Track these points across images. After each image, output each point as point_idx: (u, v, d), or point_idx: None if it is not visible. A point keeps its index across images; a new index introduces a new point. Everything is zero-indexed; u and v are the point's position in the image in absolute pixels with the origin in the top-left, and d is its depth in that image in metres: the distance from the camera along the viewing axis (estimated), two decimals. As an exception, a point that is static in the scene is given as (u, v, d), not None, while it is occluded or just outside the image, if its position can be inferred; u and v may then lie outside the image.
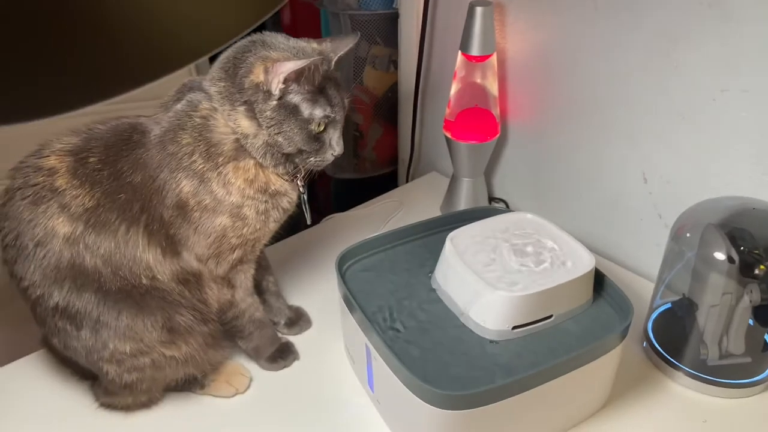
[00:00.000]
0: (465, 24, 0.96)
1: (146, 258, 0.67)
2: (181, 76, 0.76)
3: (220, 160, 0.68)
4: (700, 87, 0.81)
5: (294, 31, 1.75)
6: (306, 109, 0.68)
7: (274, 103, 0.67)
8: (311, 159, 0.72)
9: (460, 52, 0.99)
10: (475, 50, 0.97)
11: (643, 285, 0.93)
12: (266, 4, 0.29)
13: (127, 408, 0.76)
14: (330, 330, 0.87)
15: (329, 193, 1.79)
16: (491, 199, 1.17)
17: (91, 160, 0.67)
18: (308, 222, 0.81)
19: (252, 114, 0.68)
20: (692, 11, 0.78)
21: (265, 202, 0.72)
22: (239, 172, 0.69)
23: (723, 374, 0.77)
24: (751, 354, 0.77)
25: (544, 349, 0.69)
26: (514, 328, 0.70)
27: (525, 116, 1.07)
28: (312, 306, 0.92)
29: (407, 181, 1.31)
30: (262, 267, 0.85)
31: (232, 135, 0.69)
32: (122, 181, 0.67)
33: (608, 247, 1.02)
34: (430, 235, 0.85)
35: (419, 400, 0.64)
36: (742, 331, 0.75)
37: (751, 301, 0.72)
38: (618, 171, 0.96)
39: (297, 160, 0.72)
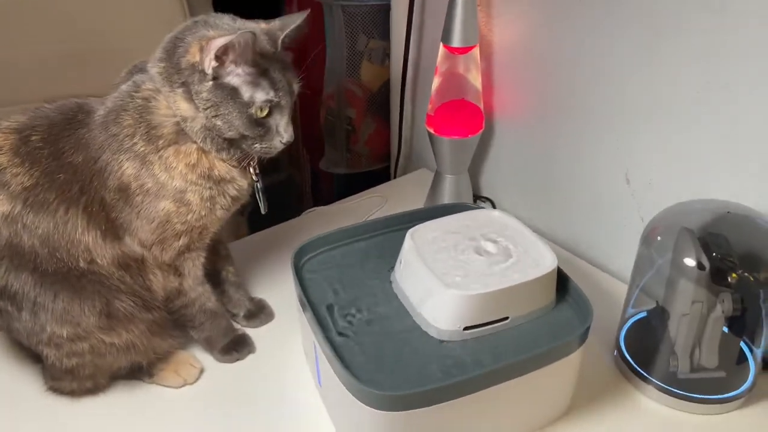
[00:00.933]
0: (446, 14, 0.92)
1: (85, 240, 0.66)
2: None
3: (161, 143, 0.66)
4: (683, 83, 0.77)
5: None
6: (246, 92, 0.65)
7: (210, 83, 0.65)
8: (257, 145, 0.69)
9: (441, 43, 0.95)
10: (456, 41, 0.93)
11: (624, 290, 0.88)
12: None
13: (73, 393, 0.74)
14: (291, 324, 0.84)
15: (332, 186, 1.78)
16: (476, 197, 1.13)
17: (33, 138, 0.66)
18: (263, 211, 0.78)
19: (189, 96, 0.66)
20: (677, 3, 0.74)
21: (210, 188, 0.69)
22: (180, 156, 0.67)
23: (695, 389, 0.72)
24: (725, 368, 0.72)
25: (497, 352, 0.66)
26: (466, 328, 0.67)
27: (510, 112, 1.03)
28: (277, 299, 0.89)
29: (395, 177, 1.28)
30: (222, 257, 0.83)
31: (173, 118, 0.67)
32: (62, 160, 0.65)
33: (591, 249, 0.97)
34: (395, 231, 0.82)
35: (357, 401, 0.61)
36: (715, 343, 0.71)
37: (723, 312, 0.68)
38: (601, 170, 0.91)
39: (243, 146, 0.69)
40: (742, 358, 0.73)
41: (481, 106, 1.01)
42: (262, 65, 0.66)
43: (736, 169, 0.75)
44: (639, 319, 0.80)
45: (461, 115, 1.00)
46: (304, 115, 1.84)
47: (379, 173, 1.41)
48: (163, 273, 0.72)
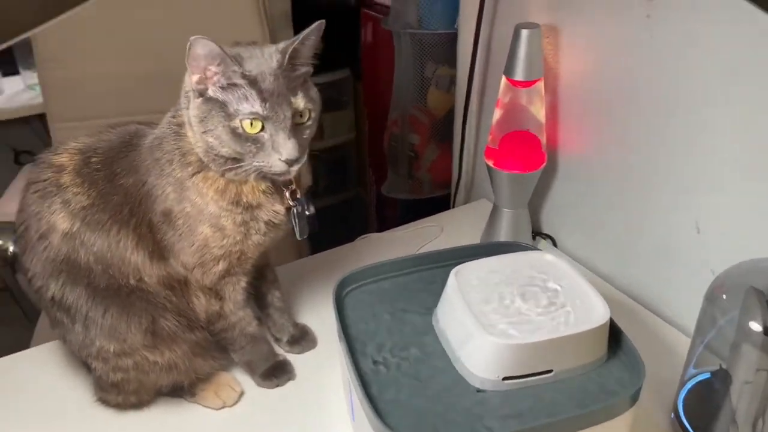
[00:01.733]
0: (510, 47, 0.90)
1: (134, 259, 0.68)
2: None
3: (190, 169, 0.68)
4: (761, 128, 0.71)
5: (374, 51, 1.76)
6: (231, 105, 0.64)
7: (198, 100, 0.65)
8: (255, 163, 0.66)
9: (503, 76, 0.93)
10: (519, 75, 0.91)
11: (688, 346, 0.82)
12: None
13: (118, 406, 0.77)
14: (332, 353, 0.83)
15: (396, 210, 1.78)
16: (536, 233, 1.09)
17: (93, 159, 0.69)
18: (297, 237, 0.76)
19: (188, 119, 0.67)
20: (755, 39, 0.69)
21: (241, 213, 0.70)
22: (208, 183, 0.68)
23: (758, 464, 0.65)
24: (796, 446, 0.65)
25: (536, 407, 0.62)
26: (505, 378, 0.64)
27: (575, 147, 0.99)
28: (321, 326, 0.89)
29: (454, 206, 1.26)
30: (268, 280, 0.84)
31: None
32: (116, 182, 0.68)
33: (655, 298, 0.91)
34: (442, 267, 0.80)
35: (384, 443, 0.60)
36: (784, 418, 0.64)
37: (794, 384, 0.61)
38: (670, 216, 0.86)
39: (245, 165, 0.66)
40: (817, 436, 0.66)
41: (544, 140, 0.97)
42: (250, 77, 0.64)
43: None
44: (701, 381, 0.74)
45: (522, 148, 0.97)
46: (372, 137, 1.86)
47: (442, 200, 1.40)
48: (205, 296, 0.73)
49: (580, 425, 0.61)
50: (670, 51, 0.80)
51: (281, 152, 0.65)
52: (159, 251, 0.70)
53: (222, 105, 0.64)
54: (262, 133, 0.65)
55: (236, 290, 0.75)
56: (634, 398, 0.62)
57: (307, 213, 1.46)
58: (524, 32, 0.88)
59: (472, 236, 1.09)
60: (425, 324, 0.73)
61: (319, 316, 0.92)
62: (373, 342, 0.70)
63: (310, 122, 0.67)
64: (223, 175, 0.68)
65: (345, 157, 2.22)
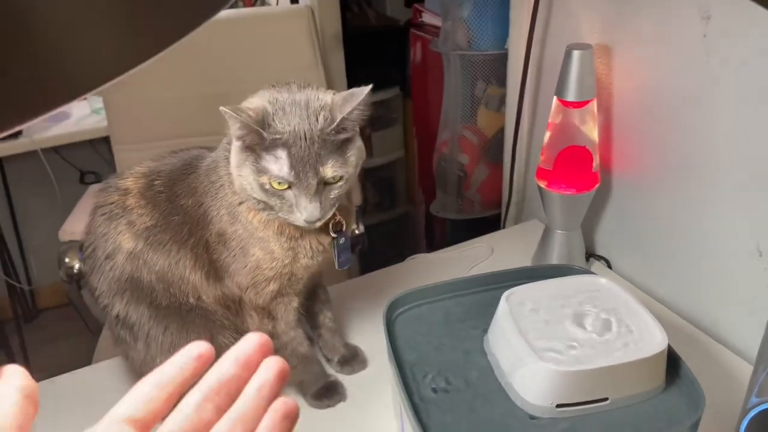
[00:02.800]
0: (561, 67, 0.90)
1: (193, 279, 0.71)
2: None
3: (236, 198, 0.70)
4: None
5: (423, 70, 1.77)
6: (263, 160, 0.65)
7: (237, 144, 0.66)
8: (281, 214, 0.67)
9: (555, 96, 0.92)
10: (571, 96, 0.90)
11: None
12: (162, 36, 0.28)
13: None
14: (383, 374, 0.84)
15: (446, 229, 1.77)
16: (590, 255, 1.07)
17: (157, 182, 0.72)
18: (336, 267, 0.77)
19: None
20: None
21: (287, 241, 0.71)
22: (252, 213, 0.70)
23: (832, 504, 0.62)
24: None
25: (591, 436, 0.61)
26: (559, 406, 0.63)
27: (630, 168, 0.97)
28: (371, 347, 0.90)
29: (504, 227, 1.25)
30: (320, 301, 0.85)
31: None
32: (176, 203, 0.71)
33: (716, 324, 0.88)
34: (494, 290, 0.79)
35: (436, 470, 0.60)
36: None
37: None
38: (729, 239, 0.83)
39: (275, 209, 0.67)
40: None
41: (597, 160, 0.96)
42: (283, 140, 0.64)
43: None
44: (764, 410, 0.71)
45: (575, 168, 0.96)
46: (421, 155, 1.87)
47: (492, 220, 1.39)
48: (258, 315, 0.75)
49: (637, 456, 0.59)
50: (727, 70, 0.77)
51: (303, 213, 0.66)
52: (215, 271, 0.72)
53: (256, 157, 0.65)
54: (288, 191, 0.66)
55: (288, 310, 0.77)
56: (694, 429, 0.60)
57: (357, 232, 1.48)
58: (576, 53, 0.87)
59: (522, 258, 1.08)
60: (477, 348, 0.72)
61: (370, 336, 0.92)
62: (423, 366, 0.70)
63: (341, 183, 0.67)
64: (258, 211, 0.70)
65: (394, 175, 2.24)
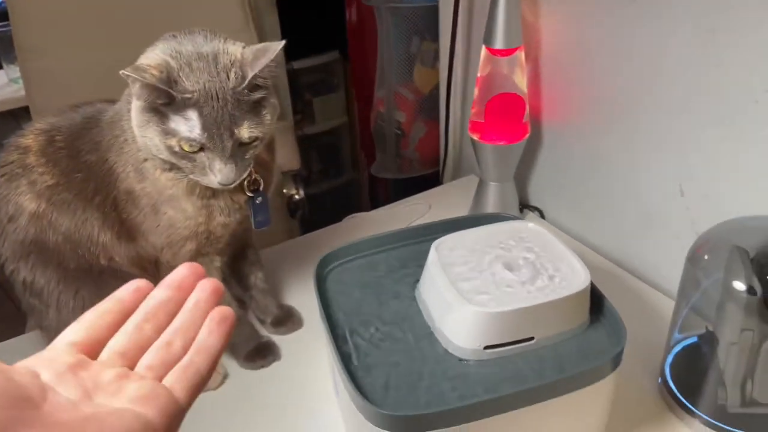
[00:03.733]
0: (488, 14, 0.89)
1: (102, 239, 0.68)
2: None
3: (141, 155, 0.66)
4: (746, 87, 0.69)
5: (360, 30, 1.73)
6: (170, 121, 0.60)
7: (138, 104, 0.61)
8: (191, 176, 0.64)
9: (483, 45, 0.91)
10: (498, 43, 0.89)
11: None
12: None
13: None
14: (319, 333, 0.83)
15: (388, 191, 1.77)
16: (524, 206, 1.08)
17: (57, 138, 0.68)
18: (253, 227, 0.74)
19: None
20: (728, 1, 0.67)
21: (200, 199, 0.68)
22: (159, 170, 0.66)
23: (746, 425, 0.65)
24: (783, 404, 0.64)
25: (520, 374, 0.62)
26: (487, 347, 0.63)
27: (559, 117, 0.98)
28: (307, 307, 0.89)
29: (442, 183, 1.24)
30: (250, 261, 0.83)
31: None
32: (79, 160, 0.67)
33: (643, 264, 0.90)
34: (424, 242, 0.79)
35: (366, 420, 0.59)
36: (769, 377, 0.63)
37: (779, 342, 0.60)
38: (655, 182, 0.85)
39: (185, 171, 0.64)
40: (804, 395, 0.65)
41: (527, 110, 0.96)
42: (193, 100, 0.59)
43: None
44: (688, 345, 0.73)
45: (505, 119, 0.95)
46: (362, 118, 1.84)
47: (432, 177, 1.39)
48: None
49: (562, 390, 0.60)
50: (652, 15, 0.78)
51: (217, 176, 0.62)
52: (126, 231, 0.69)
53: (161, 118, 0.61)
54: (200, 153, 0.62)
55: (210, 271, 0.74)
56: (616, 362, 0.62)
57: (296, 197, 1.45)
58: (502, -1, 0.86)
59: (459, 212, 1.08)
60: (408, 299, 0.72)
61: (306, 296, 0.90)
62: (356, 319, 0.70)
63: (256, 143, 0.64)
64: (164, 171, 0.66)
65: (338, 142, 2.20)
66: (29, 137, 0.69)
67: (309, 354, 0.82)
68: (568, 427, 0.65)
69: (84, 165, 0.67)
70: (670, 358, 0.73)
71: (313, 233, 1.06)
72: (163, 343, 0.38)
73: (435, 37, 1.27)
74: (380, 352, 0.65)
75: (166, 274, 0.70)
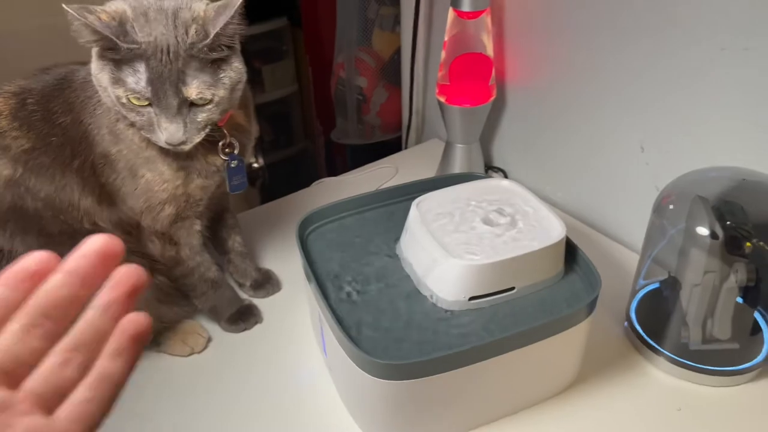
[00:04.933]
0: (455, -23, 0.90)
1: (84, 204, 0.66)
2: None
3: (112, 115, 0.65)
4: (700, 48, 0.74)
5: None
6: (120, 71, 0.59)
7: (94, 51, 0.60)
8: (142, 132, 0.63)
9: (450, 8, 0.93)
10: (466, 5, 0.91)
11: (636, 261, 0.87)
12: None
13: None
14: (298, 295, 0.84)
15: (345, 157, 1.77)
16: (489, 167, 1.11)
17: (29, 101, 0.66)
18: (228, 191, 0.74)
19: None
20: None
21: (175, 161, 0.67)
22: (132, 129, 0.65)
23: (707, 360, 0.70)
24: (738, 339, 0.70)
25: (502, 322, 0.65)
26: (472, 298, 0.66)
27: (523, 80, 1.01)
28: (284, 270, 0.89)
29: (407, 147, 1.26)
30: (228, 226, 0.83)
31: None
32: (54, 122, 0.65)
33: (604, 219, 0.95)
34: (402, 201, 0.81)
35: (360, 369, 0.61)
36: (728, 314, 0.69)
37: (737, 282, 0.66)
38: (616, 140, 0.89)
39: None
40: (756, 330, 0.72)
41: (492, 73, 0.98)
42: (140, 51, 0.58)
43: (753, 136, 0.72)
44: (650, 291, 0.78)
45: (471, 80, 0.97)
46: (317, 85, 1.82)
47: (393, 143, 1.40)
48: (160, 241, 0.72)
49: (542, 335, 0.64)
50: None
51: (163, 134, 0.61)
52: (106, 195, 0.67)
53: (113, 67, 0.59)
54: (148, 108, 0.61)
55: (191, 234, 0.73)
56: (591, 308, 0.66)
57: (255, 165, 1.43)
58: (469, -38, 0.88)
59: (426, 174, 1.10)
60: (390, 257, 0.74)
61: (281, 260, 0.92)
62: (340, 278, 0.71)
63: (210, 106, 0.62)
64: (128, 126, 0.65)
65: (289, 111, 2.17)
66: None
67: (290, 315, 0.83)
68: (548, 368, 0.69)
69: (59, 127, 0.65)
70: (635, 303, 0.78)
71: (282, 198, 1.07)
72: (58, 363, 0.29)
73: (393, 2, 1.27)
74: (367, 307, 0.67)
75: (148, 238, 0.71)
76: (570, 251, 0.70)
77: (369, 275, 0.71)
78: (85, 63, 0.69)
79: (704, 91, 0.75)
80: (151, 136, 0.62)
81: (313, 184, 1.12)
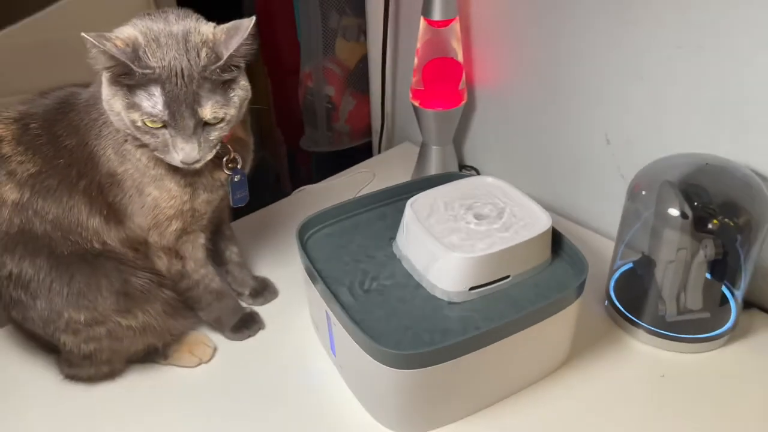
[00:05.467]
0: (426, -13, 0.95)
1: (92, 224, 0.68)
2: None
3: (120, 136, 0.67)
4: (658, 45, 0.81)
5: (268, 7, 1.71)
6: (134, 95, 0.61)
7: (106, 76, 0.62)
8: (156, 153, 0.65)
9: (422, 17, 0.98)
10: (437, 15, 0.96)
11: (608, 246, 0.93)
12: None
13: (90, 379, 0.76)
14: (296, 299, 0.87)
15: (310, 167, 1.79)
16: (462, 166, 1.16)
17: (32, 126, 0.67)
18: (231, 204, 0.77)
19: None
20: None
21: (183, 177, 0.69)
22: (140, 150, 0.67)
23: (682, 330, 0.77)
24: (708, 309, 0.78)
25: (501, 308, 0.70)
26: (472, 288, 0.71)
27: (492, 82, 1.06)
28: (279, 276, 0.92)
29: (380, 152, 1.30)
30: (225, 237, 0.85)
31: None
32: (59, 145, 0.67)
33: (575, 209, 1.02)
34: (393, 203, 0.85)
35: (375, 362, 0.65)
36: (699, 287, 0.76)
37: (706, 256, 0.73)
38: (582, 134, 0.96)
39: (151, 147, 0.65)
40: (724, 301, 0.79)
41: (464, 78, 1.04)
42: (155, 76, 0.60)
43: (710, 125, 0.79)
44: (625, 271, 0.85)
45: (443, 85, 1.02)
46: (277, 95, 1.84)
47: (359, 150, 1.44)
48: (167, 256, 0.74)
49: (538, 318, 0.69)
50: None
51: (179, 154, 0.63)
52: (114, 214, 0.69)
53: (127, 91, 0.61)
54: (163, 130, 0.63)
55: (196, 248, 0.75)
56: (580, 290, 0.72)
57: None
58: (438, -27, 0.93)
59: (403, 176, 1.15)
60: (387, 256, 0.77)
61: (273, 267, 0.94)
62: (340, 279, 0.74)
63: (221, 124, 0.64)
64: (137, 148, 0.67)
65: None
66: None
67: (290, 320, 0.86)
68: (544, 348, 0.74)
69: (65, 150, 0.67)
70: (612, 283, 0.85)
71: (268, 207, 1.09)
72: None
73: (355, 12, 1.31)
74: (371, 304, 0.71)
75: (155, 254, 0.72)
76: (555, 239, 0.76)
77: (369, 274, 0.75)
78: (84, 84, 0.70)
79: (663, 86, 0.82)
80: (165, 156, 0.64)
81: (294, 192, 1.14)
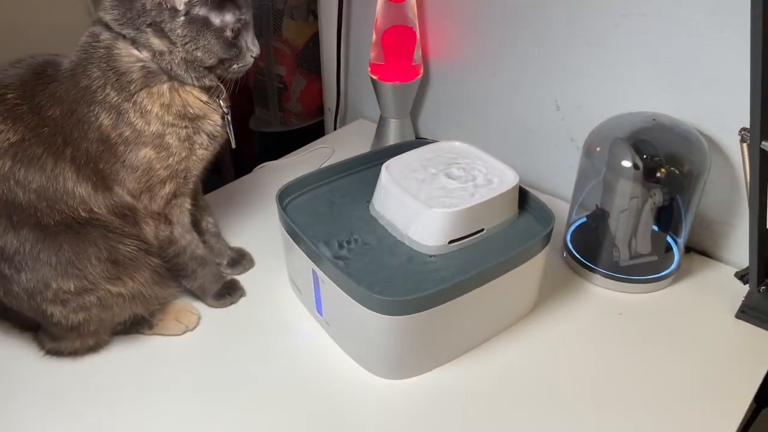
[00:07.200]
0: (383, -36, 0.98)
1: (79, 192, 0.67)
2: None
3: (132, 88, 0.68)
4: (604, 13, 0.88)
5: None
6: (216, 18, 0.68)
7: (182, 19, 0.67)
8: (234, 66, 0.72)
9: (380, -7, 1.01)
10: (394, -9, 1.00)
11: (560, 205, 1.01)
12: None
13: (75, 353, 0.75)
14: (273, 266, 0.89)
15: (253, 150, 1.78)
16: (418, 138, 1.21)
17: (9, 96, 0.66)
18: (233, 146, 0.81)
19: (162, 33, 0.68)
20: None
21: (186, 127, 0.72)
22: (153, 98, 0.69)
23: (634, 272, 0.86)
24: (657, 253, 0.86)
25: (478, 259, 0.75)
26: (451, 242, 0.76)
27: (446, 56, 1.12)
28: (253, 247, 0.94)
29: (335, 130, 1.33)
30: (201, 207, 0.86)
31: (139, 62, 0.68)
32: (42, 114, 0.66)
33: (528, 174, 1.09)
34: (365, 169, 0.89)
35: (368, 310, 0.69)
36: (648, 233, 0.84)
37: (654, 203, 0.81)
38: (532, 101, 1.02)
39: (219, 71, 0.72)
40: (669, 247, 0.88)
41: (419, 53, 1.08)
42: None
43: (654, 87, 0.88)
44: (579, 225, 0.93)
45: (400, 58, 1.07)
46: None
47: (309, 129, 1.46)
48: (155, 222, 0.74)
49: (511, 266, 0.75)
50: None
51: (253, 49, 0.73)
52: (103, 180, 0.69)
53: (206, 20, 0.68)
54: (238, 38, 0.71)
55: (182, 213, 0.77)
56: (547, 239, 0.78)
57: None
58: (396, -50, 0.97)
59: (361, 150, 1.17)
60: (365, 217, 0.81)
61: (247, 238, 0.95)
62: (323, 239, 0.77)
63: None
64: (199, 80, 0.72)
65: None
66: None
67: (269, 287, 0.88)
68: (516, 294, 0.81)
69: (49, 119, 0.66)
70: (569, 236, 0.92)
71: (228, 185, 1.10)
72: None
73: (303, -8, 1.33)
74: (356, 261, 0.75)
75: (143, 221, 0.73)
76: (522, 197, 0.82)
77: (349, 234, 0.78)
78: (54, 55, 0.70)
79: (608, 52, 0.90)
80: (244, 61, 0.73)
81: (255, 169, 1.15)
